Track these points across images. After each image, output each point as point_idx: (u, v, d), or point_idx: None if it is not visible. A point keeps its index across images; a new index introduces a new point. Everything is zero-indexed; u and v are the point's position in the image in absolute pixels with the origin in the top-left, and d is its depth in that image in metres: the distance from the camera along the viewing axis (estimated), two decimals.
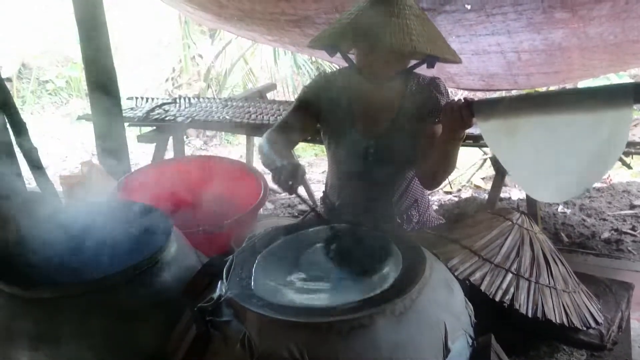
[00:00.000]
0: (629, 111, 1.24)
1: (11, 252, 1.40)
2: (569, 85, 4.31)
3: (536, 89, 3.89)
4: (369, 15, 1.64)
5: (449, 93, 1.93)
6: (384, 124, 1.90)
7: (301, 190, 1.62)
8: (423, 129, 1.85)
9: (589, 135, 1.31)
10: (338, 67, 2.01)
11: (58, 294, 1.22)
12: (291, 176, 1.55)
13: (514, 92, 4.45)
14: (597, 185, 4.53)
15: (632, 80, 5.87)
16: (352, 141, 1.91)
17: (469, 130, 1.68)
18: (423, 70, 1.81)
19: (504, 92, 4.38)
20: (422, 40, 1.62)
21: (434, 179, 1.87)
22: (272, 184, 1.79)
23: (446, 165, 1.77)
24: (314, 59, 6.99)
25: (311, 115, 1.95)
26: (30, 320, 1.21)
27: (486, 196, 3.90)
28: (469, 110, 1.56)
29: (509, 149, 1.49)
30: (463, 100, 1.59)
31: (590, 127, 1.30)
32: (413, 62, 1.81)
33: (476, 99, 1.60)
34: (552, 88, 4.14)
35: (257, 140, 3.97)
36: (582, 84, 4.45)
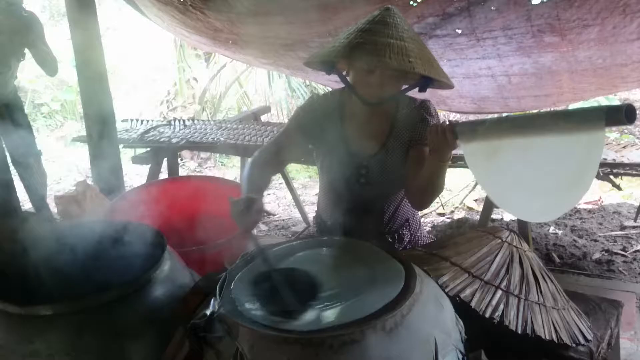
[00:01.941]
0: (602, 133, 1.27)
1: (6, 270, 1.41)
2: (559, 108, 4.36)
3: (527, 112, 3.94)
4: (368, 36, 1.68)
5: (439, 116, 1.96)
6: (376, 145, 1.92)
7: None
8: (413, 150, 1.88)
9: (565, 157, 1.34)
10: (331, 90, 2.04)
11: (53, 311, 1.22)
12: (244, 211, 1.52)
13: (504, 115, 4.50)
14: (588, 206, 4.56)
15: (620, 103, 5.94)
16: (344, 162, 1.93)
17: (461, 152, 1.71)
18: (414, 93, 1.85)
19: (495, 115, 4.43)
20: (419, 62, 1.66)
21: (422, 200, 1.89)
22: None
23: (434, 186, 1.79)
24: (308, 82, 7.05)
25: (303, 137, 1.97)
26: (24, 338, 1.21)
27: (478, 217, 3.92)
28: (453, 132, 1.59)
29: (488, 170, 1.52)
30: (447, 123, 1.63)
31: (567, 148, 1.33)
32: (406, 85, 1.85)
33: (460, 121, 1.63)
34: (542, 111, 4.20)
35: None
36: (572, 107, 4.51)
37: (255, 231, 1.58)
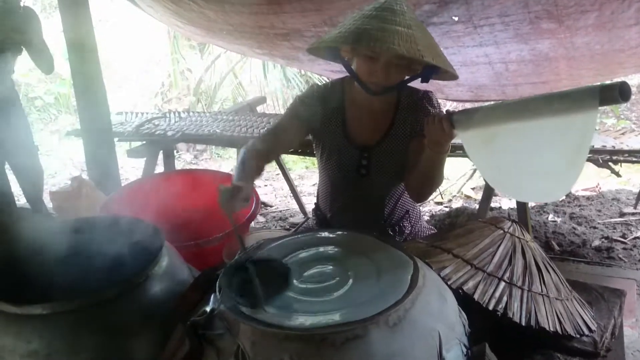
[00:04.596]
0: (595, 113, 1.26)
1: (1, 269, 1.39)
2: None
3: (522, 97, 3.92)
4: (375, 22, 1.64)
5: (441, 106, 1.93)
6: (378, 136, 1.90)
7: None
8: (414, 142, 1.86)
9: (560, 138, 1.33)
10: (328, 80, 2.00)
11: (49, 310, 1.20)
12: (229, 198, 1.57)
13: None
14: (586, 193, 4.56)
15: (613, 81, 5.93)
16: (344, 153, 1.91)
17: (459, 141, 1.69)
18: (416, 83, 1.82)
19: (492, 102, 4.41)
20: (427, 51, 1.63)
21: (421, 193, 1.87)
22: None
23: (433, 178, 1.76)
24: (303, 72, 7.03)
25: (302, 125, 1.93)
26: (21, 338, 1.19)
27: (477, 206, 3.91)
28: (449, 121, 1.57)
29: (487, 156, 1.51)
30: (444, 112, 1.61)
31: (562, 129, 1.32)
32: (409, 76, 1.82)
33: (457, 110, 1.61)
34: None
35: None
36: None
37: (253, 224, 1.57)
